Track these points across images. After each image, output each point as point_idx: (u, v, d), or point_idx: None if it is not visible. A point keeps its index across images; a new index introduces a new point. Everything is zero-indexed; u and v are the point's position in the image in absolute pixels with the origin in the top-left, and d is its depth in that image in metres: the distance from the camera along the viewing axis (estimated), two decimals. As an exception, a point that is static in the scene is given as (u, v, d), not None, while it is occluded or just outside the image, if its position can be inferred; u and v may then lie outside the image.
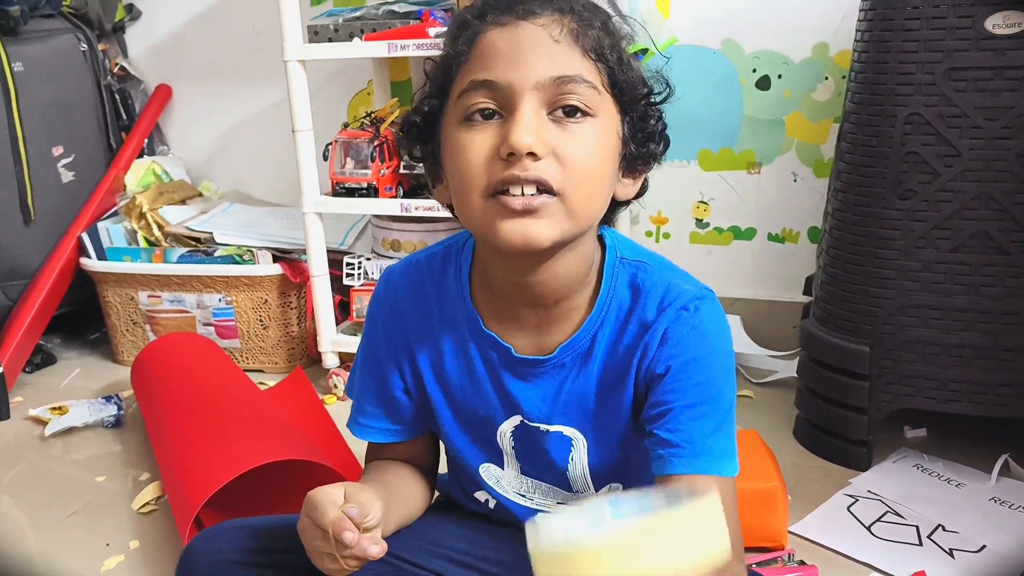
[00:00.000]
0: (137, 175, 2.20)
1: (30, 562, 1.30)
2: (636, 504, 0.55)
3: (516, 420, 0.82)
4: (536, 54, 0.71)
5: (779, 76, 1.87)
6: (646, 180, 0.81)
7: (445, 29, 0.78)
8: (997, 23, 1.23)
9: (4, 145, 1.90)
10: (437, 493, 0.97)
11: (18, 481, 1.54)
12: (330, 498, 0.71)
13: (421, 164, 0.83)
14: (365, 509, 0.71)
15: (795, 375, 1.58)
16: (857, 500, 1.34)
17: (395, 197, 1.72)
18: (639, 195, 0.81)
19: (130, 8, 2.32)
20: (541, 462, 0.85)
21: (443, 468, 0.97)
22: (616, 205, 0.80)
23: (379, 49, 1.63)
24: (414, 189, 1.77)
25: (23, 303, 1.95)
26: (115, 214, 2.10)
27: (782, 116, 1.89)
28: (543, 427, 0.82)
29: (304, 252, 1.84)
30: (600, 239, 0.82)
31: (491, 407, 0.83)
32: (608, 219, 0.80)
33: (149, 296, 1.97)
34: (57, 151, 2.03)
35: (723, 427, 0.78)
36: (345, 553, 0.69)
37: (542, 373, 0.81)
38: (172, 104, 2.38)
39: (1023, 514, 1.29)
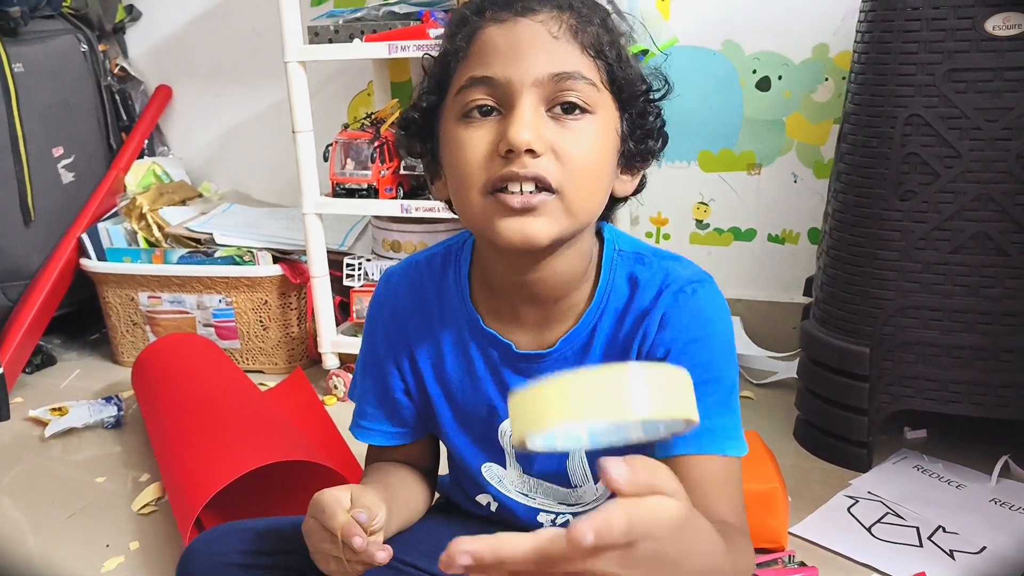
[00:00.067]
0: (137, 176, 2.20)
1: (30, 563, 1.30)
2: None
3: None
4: (535, 50, 0.70)
5: (779, 77, 1.87)
6: (644, 176, 0.81)
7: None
8: (997, 24, 1.23)
9: (4, 146, 1.90)
10: (437, 495, 0.97)
11: (18, 482, 1.54)
12: (338, 501, 0.71)
13: (419, 160, 0.82)
14: (372, 513, 0.71)
15: (795, 376, 1.58)
16: (857, 501, 1.34)
17: (395, 198, 1.72)
18: (637, 191, 0.81)
19: (130, 9, 2.32)
20: (543, 458, 0.84)
21: (443, 470, 0.97)
22: (615, 201, 0.80)
23: (379, 50, 1.64)
24: (414, 190, 1.77)
25: (23, 304, 1.95)
26: (115, 215, 2.10)
27: (782, 117, 1.89)
28: None
29: (304, 253, 1.84)
30: (598, 233, 0.81)
31: (492, 406, 0.83)
32: (607, 215, 0.80)
33: (149, 297, 1.97)
34: (57, 152, 2.03)
35: (726, 406, 0.77)
36: (352, 558, 0.69)
37: (544, 368, 0.81)
38: (172, 105, 2.38)
39: (1023, 515, 1.29)
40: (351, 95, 2.21)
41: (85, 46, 2.12)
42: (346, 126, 1.79)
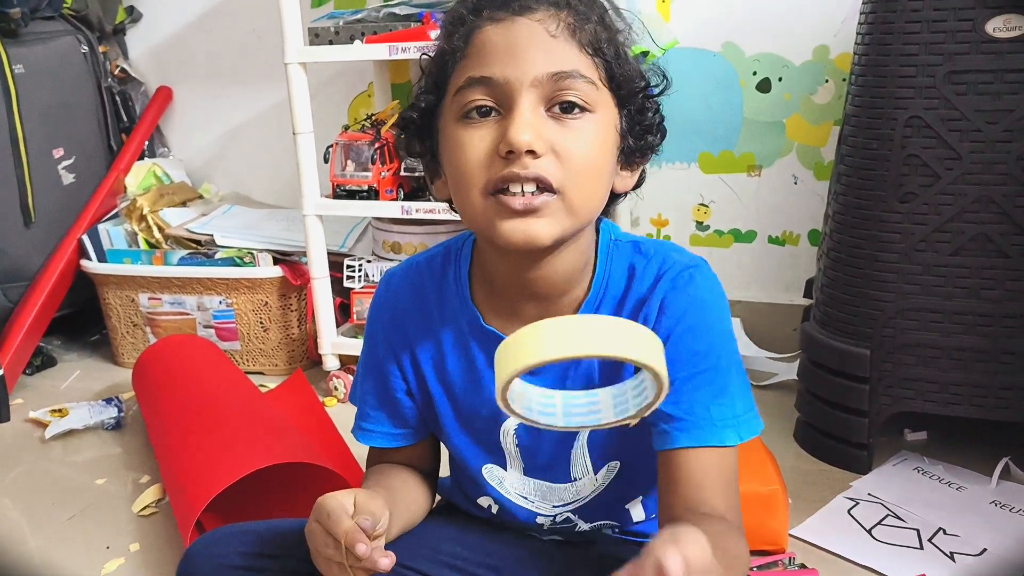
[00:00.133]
0: (138, 177, 2.20)
1: (30, 565, 1.30)
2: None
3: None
4: (533, 49, 0.70)
5: (779, 79, 1.87)
6: (644, 171, 0.81)
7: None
8: (998, 26, 1.23)
9: (5, 147, 1.90)
10: (438, 497, 0.97)
11: (18, 483, 1.54)
12: (342, 506, 0.71)
13: (419, 160, 0.82)
14: (375, 519, 0.71)
15: (795, 378, 1.58)
16: (858, 503, 1.34)
17: (395, 199, 1.72)
18: (637, 186, 0.81)
19: (131, 10, 2.32)
20: (545, 447, 0.84)
21: (444, 472, 0.97)
22: (615, 197, 0.80)
23: (380, 52, 1.64)
24: (415, 191, 1.77)
25: (23, 305, 1.95)
26: (116, 216, 2.10)
27: (782, 119, 1.90)
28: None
29: (304, 254, 1.84)
30: (595, 225, 0.82)
31: (494, 405, 0.83)
32: (607, 211, 0.80)
33: (149, 298, 1.97)
34: (58, 153, 2.03)
35: (724, 395, 0.77)
36: (355, 564, 0.69)
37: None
38: (173, 106, 2.38)
39: (1023, 517, 1.29)
40: (351, 96, 2.21)
41: (85, 47, 2.12)
42: (346, 127, 1.79)
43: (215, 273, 1.90)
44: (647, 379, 0.63)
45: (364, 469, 0.95)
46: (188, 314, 1.95)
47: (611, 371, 0.80)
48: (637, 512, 0.90)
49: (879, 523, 1.29)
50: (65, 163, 2.05)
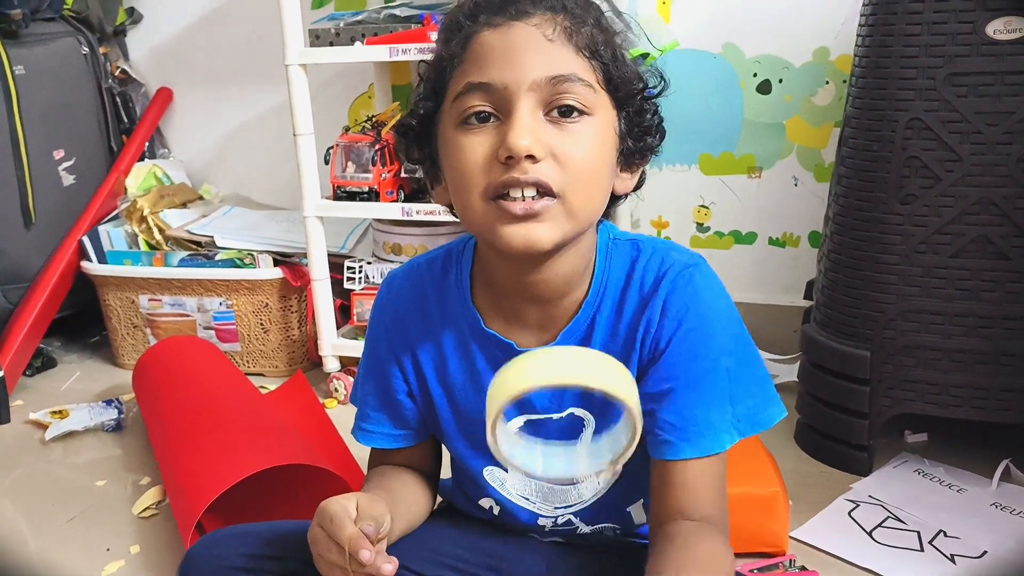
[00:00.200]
0: (138, 178, 2.20)
1: (30, 567, 1.30)
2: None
3: (521, 420, 0.82)
4: (530, 54, 0.71)
5: (780, 80, 1.87)
6: (644, 172, 0.81)
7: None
8: (998, 29, 1.23)
9: (5, 148, 1.90)
10: (439, 499, 0.97)
11: (18, 485, 1.54)
12: (346, 511, 0.71)
13: (420, 166, 0.83)
14: (379, 524, 0.71)
15: (796, 379, 1.58)
16: (858, 505, 1.34)
17: (396, 201, 1.72)
18: (637, 188, 0.81)
19: (131, 11, 2.32)
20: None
21: (446, 473, 0.97)
22: (615, 199, 0.80)
23: (380, 53, 1.64)
24: (415, 193, 1.77)
25: (24, 306, 1.95)
26: (116, 217, 2.10)
27: (783, 120, 1.90)
28: (555, 416, 0.82)
29: (305, 256, 1.83)
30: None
31: None
32: (607, 213, 0.80)
33: (150, 300, 1.97)
34: (58, 154, 2.03)
35: (724, 397, 0.77)
36: (358, 570, 0.69)
37: None
38: (173, 107, 2.38)
39: (1024, 519, 1.29)
40: (352, 98, 2.21)
41: (86, 48, 2.12)
42: (347, 129, 1.79)
43: (215, 274, 1.90)
44: (621, 426, 0.66)
45: (364, 471, 0.95)
46: (188, 315, 1.95)
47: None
48: (639, 514, 0.90)
49: (879, 525, 1.29)
50: (65, 164, 2.05)
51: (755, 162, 1.94)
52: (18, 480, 1.56)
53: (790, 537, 1.24)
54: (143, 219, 2.02)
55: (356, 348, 1.79)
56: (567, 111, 0.71)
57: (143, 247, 2.00)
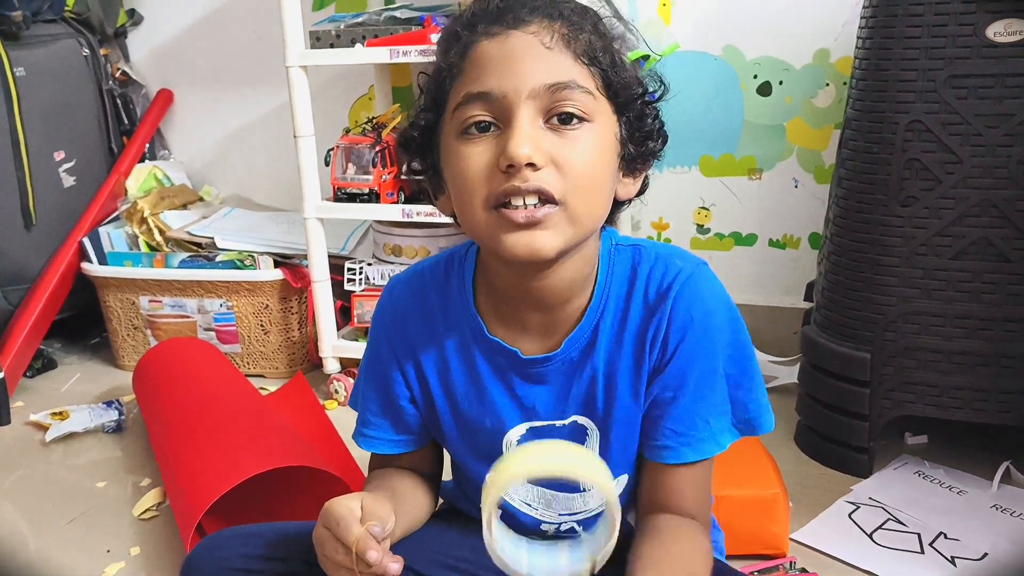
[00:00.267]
0: (138, 180, 2.20)
1: (30, 568, 1.30)
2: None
3: (523, 428, 0.82)
4: (529, 62, 0.71)
5: (780, 82, 1.87)
6: (647, 177, 0.81)
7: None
8: (998, 31, 1.23)
9: (6, 150, 1.90)
10: (440, 500, 0.97)
11: (18, 487, 1.54)
12: (351, 512, 0.71)
13: (423, 177, 0.83)
14: (384, 525, 0.71)
15: (796, 381, 1.58)
16: (858, 507, 1.34)
17: (396, 202, 1.72)
18: (640, 192, 0.81)
19: (132, 13, 2.32)
20: None
21: (447, 475, 0.97)
22: (618, 204, 0.80)
23: (381, 55, 1.64)
24: (415, 194, 1.77)
25: (24, 308, 1.95)
26: (116, 219, 2.10)
27: (783, 122, 1.90)
28: (557, 423, 0.82)
29: (305, 257, 1.84)
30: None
31: (498, 415, 0.83)
32: (610, 219, 0.80)
33: (150, 301, 1.97)
34: (59, 156, 2.04)
35: (723, 403, 0.80)
36: (365, 571, 0.69)
37: (552, 370, 0.81)
38: (173, 109, 2.38)
39: (1024, 521, 1.29)
40: (352, 99, 2.21)
41: (87, 50, 2.12)
42: (347, 130, 1.79)
43: (216, 276, 1.90)
44: (601, 526, 0.70)
45: (365, 473, 0.95)
46: (189, 317, 1.95)
47: (617, 376, 0.80)
48: None
49: (880, 527, 1.29)
50: (66, 166, 2.05)
51: (755, 164, 1.94)
52: (18, 481, 1.56)
53: (790, 539, 1.24)
54: (143, 220, 2.02)
55: (356, 349, 1.79)
56: (567, 118, 0.71)
57: (143, 248, 2.00)
